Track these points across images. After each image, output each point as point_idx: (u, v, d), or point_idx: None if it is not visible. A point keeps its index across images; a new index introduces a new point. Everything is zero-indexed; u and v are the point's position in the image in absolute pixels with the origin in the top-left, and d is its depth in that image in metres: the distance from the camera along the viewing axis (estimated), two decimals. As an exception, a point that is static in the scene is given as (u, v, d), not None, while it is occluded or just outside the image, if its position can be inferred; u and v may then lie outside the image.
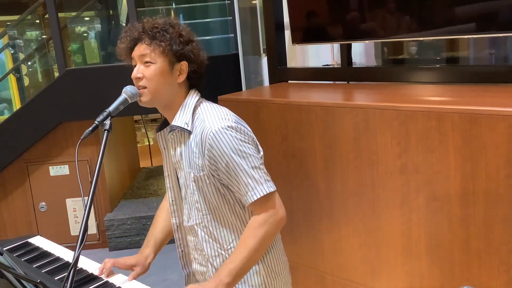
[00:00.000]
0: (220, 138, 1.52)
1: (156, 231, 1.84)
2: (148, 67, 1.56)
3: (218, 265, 1.65)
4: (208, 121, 1.56)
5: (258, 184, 1.53)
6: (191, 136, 1.59)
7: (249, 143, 1.57)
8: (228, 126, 1.54)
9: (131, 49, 1.59)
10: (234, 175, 1.53)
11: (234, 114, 1.63)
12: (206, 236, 1.65)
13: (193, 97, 1.63)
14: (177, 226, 1.78)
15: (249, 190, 1.53)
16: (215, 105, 1.65)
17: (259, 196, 1.53)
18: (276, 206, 1.57)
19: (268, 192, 1.54)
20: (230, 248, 1.65)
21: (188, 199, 1.66)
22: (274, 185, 1.58)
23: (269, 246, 1.69)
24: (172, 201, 1.76)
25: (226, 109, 1.64)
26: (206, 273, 1.69)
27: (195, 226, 1.66)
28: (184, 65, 1.58)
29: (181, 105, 1.62)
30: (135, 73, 1.57)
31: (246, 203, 1.55)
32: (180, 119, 1.60)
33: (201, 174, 1.58)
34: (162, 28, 1.56)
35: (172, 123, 1.61)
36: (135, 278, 1.70)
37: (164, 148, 1.73)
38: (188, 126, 1.58)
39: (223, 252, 1.65)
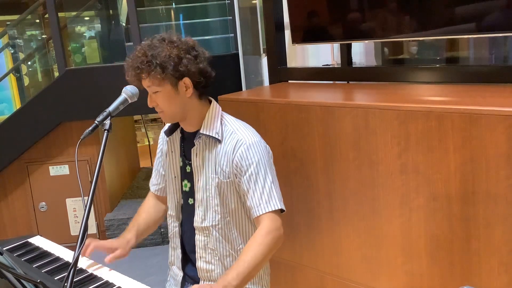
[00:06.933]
0: (253, 150, 1.66)
1: (140, 220, 1.92)
2: (157, 95, 1.65)
3: (229, 264, 1.75)
4: (241, 134, 1.69)
5: (273, 199, 1.64)
6: (220, 144, 1.70)
7: (271, 160, 1.72)
8: (260, 141, 1.71)
9: (140, 80, 1.67)
10: (253, 185, 1.64)
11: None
12: (220, 237, 1.74)
13: (216, 108, 1.74)
14: (178, 228, 1.85)
15: (263, 202, 1.63)
16: (236, 118, 1.78)
17: (271, 209, 1.63)
18: (281, 223, 1.67)
19: (279, 207, 1.65)
20: (240, 249, 1.76)
21: (205, 202, 1.74)
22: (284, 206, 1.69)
23: None
24: (177, 203, 1.83)
25: (246, 123, 1.78)
26: (214, 271, 1.76)
27: (210, 228, 1.74)
28: (186, 80, 1.65)
29: (198, 114, 1.71)
30: (149, 104, 1.69)
31: (256, 213, 1.64)
32: (210, 129, 1.70)
33: (227, 180, 1.69)
34: (149, 58, 1.58)
35: (201, 131, 1.70)
36: (114, 260, 1.76)
37: (172, 152, 1.82)
38: (219, 136, 1.70)
39: (233, 253, 1.76)
